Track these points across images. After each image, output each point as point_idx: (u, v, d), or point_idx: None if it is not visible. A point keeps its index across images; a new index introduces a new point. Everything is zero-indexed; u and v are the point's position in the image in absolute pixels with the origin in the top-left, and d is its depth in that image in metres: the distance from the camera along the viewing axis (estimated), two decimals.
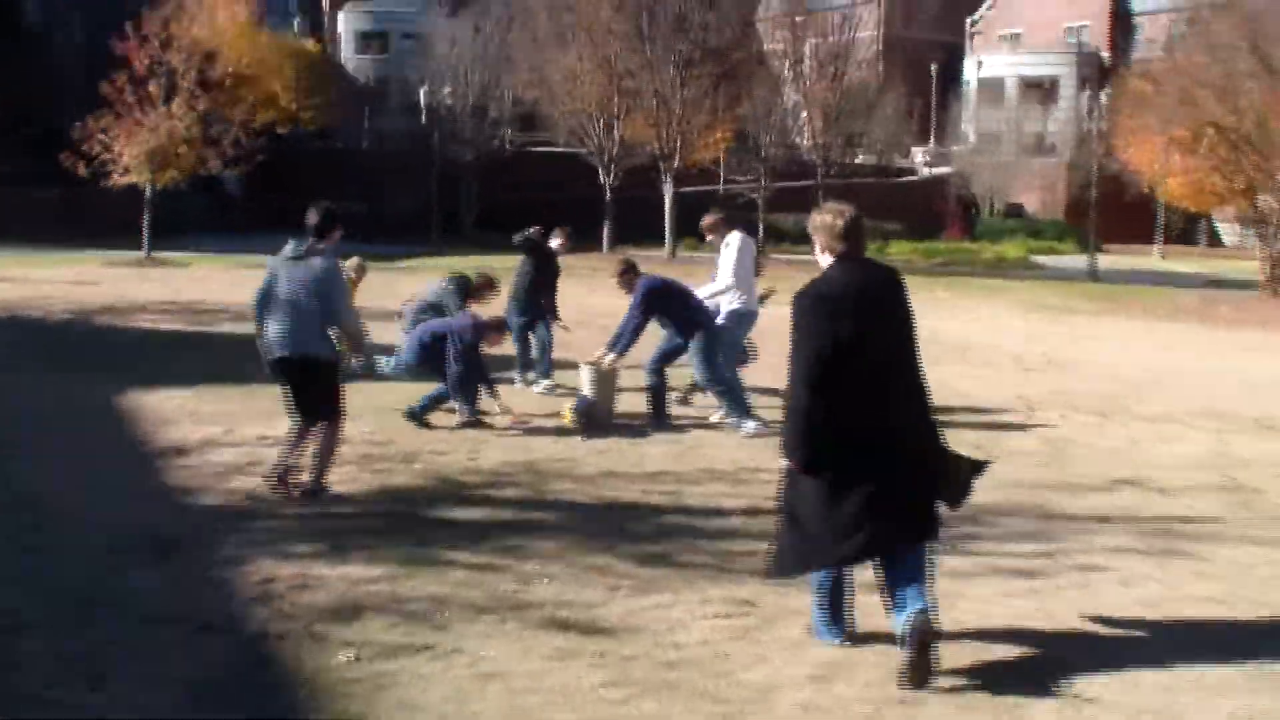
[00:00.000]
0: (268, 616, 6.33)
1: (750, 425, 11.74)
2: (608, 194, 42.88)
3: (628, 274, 12.67)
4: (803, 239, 50.50)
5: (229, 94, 37.78)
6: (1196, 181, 34.06)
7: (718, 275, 12.82)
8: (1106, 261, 41.67)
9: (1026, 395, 15.04)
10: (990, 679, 5.80)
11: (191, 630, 6.10)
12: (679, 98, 41.62)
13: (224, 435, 10.86)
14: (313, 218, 8.76)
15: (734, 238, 12.92)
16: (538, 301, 14.49)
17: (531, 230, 14.73)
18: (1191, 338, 24.10)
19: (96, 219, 37.34)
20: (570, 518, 8.51)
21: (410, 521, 8.26)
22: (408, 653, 5.88)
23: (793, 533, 6.00)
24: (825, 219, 5.99)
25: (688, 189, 43.90)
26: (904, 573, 5.79)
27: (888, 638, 5.92)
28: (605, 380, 12.19)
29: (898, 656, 5.68)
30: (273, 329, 8.67)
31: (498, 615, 6.40)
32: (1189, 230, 63.51)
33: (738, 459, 10.72)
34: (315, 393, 8.79)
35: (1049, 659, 6.08)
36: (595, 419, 11.79)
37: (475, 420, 11.66)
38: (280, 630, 6.13)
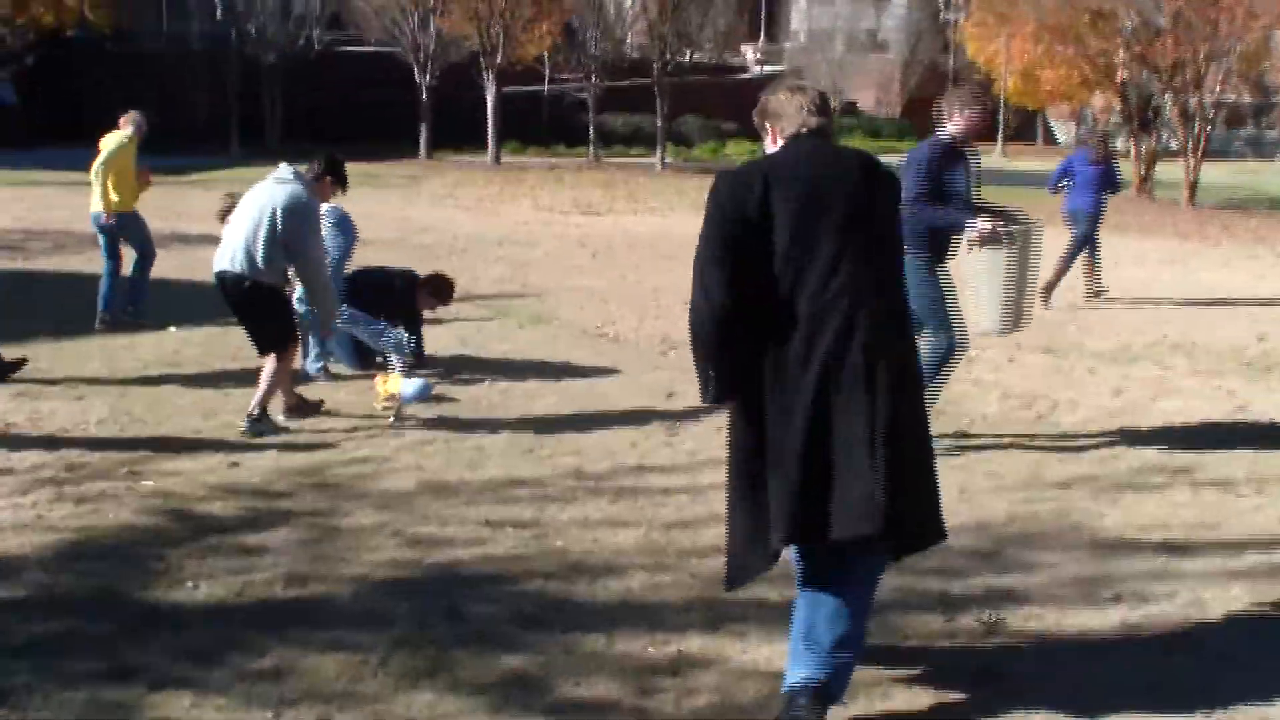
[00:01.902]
0: None
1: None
2: (424, 95, 39.00)
3: None
4: (634, 140, 47.61)
5: None
6: (1063, 76, 31.60)
7: None
8: None
9: None
10: None
11: None
12: None
13: None
14: (315, 165, 8.30)
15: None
16: None
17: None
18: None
19: None
20: (369, 589, 5.28)
21: (105, 617, 4.93)
22: None
23: (738, 516, 4.31)
24: (791, 99, 4.50)
25: (512, 88, 40.27)
26: (826, 601, 4.17)
27: None
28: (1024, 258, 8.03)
29: None
30: (224, 241, 8.00)
31: None
32: (1024, 128, 62.23)
33: (611, 446, 7.61)
34: (256, 321, 8.03)
35: None
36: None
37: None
38: None
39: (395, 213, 22.55)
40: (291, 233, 7.74)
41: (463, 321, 11.93)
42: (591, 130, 41.54)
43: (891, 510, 4.05)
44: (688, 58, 47.31)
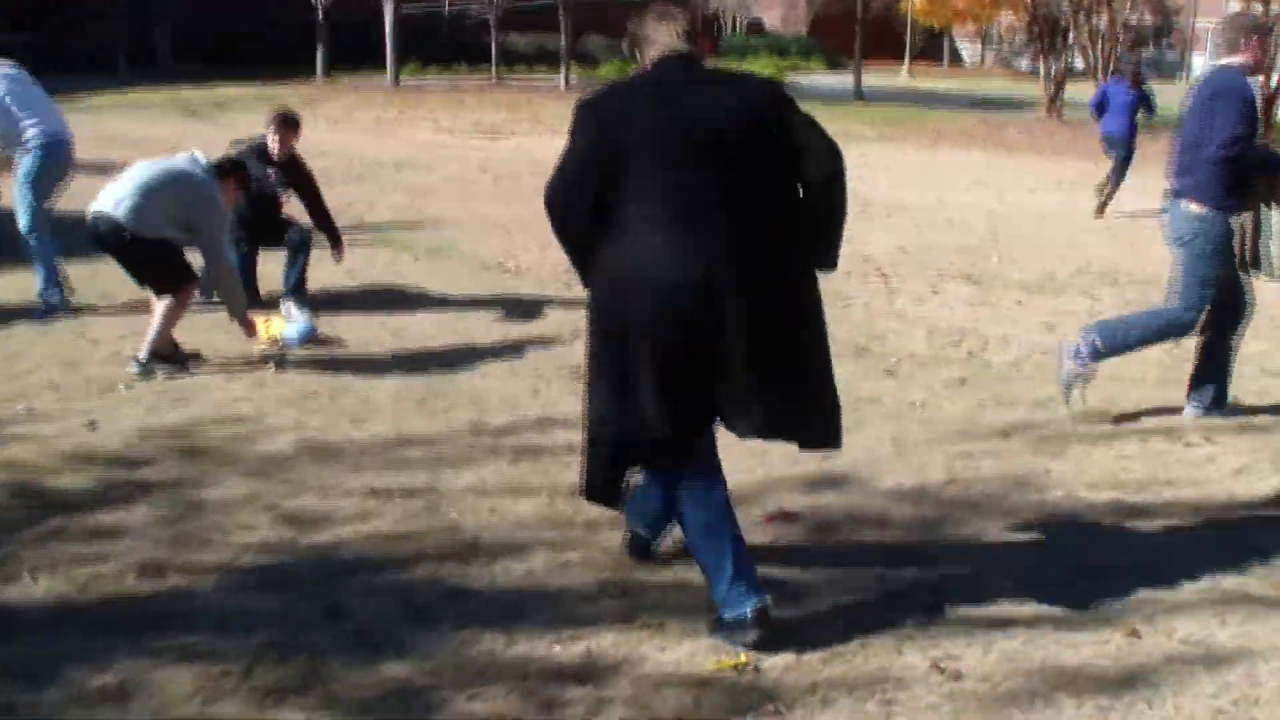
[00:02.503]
0: None
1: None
2: (320, 15, 37.67)
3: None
4: (538, 60, 46.43)
5: None
6: None
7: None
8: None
9: (869, 255, 11.64)
10: None
11: None
12: None
13: None
14: (223, 163, 7.76)
15: None
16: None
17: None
18: (997, 167, 21.16)
19: None
20: (234, 580, 4.60)
21: None
22: None
23: (597, 424, 4.30)
24: (660, 23, 4.32)
25: (411, 7, 39.08)
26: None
27: None
28: None
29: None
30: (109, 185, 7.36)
31: None
32: (930, 47, 61.96)
33: (511, 394, 7.00)
34: (143, 268, 7.44)
35: None
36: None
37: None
38: None
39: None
40: (201, 225, 7.34)
41: (354, 252, 11.20)
42: (494, 50, 40.50)
43: (769, 416, 4.12)
44: None
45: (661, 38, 4.26)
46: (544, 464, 5.87)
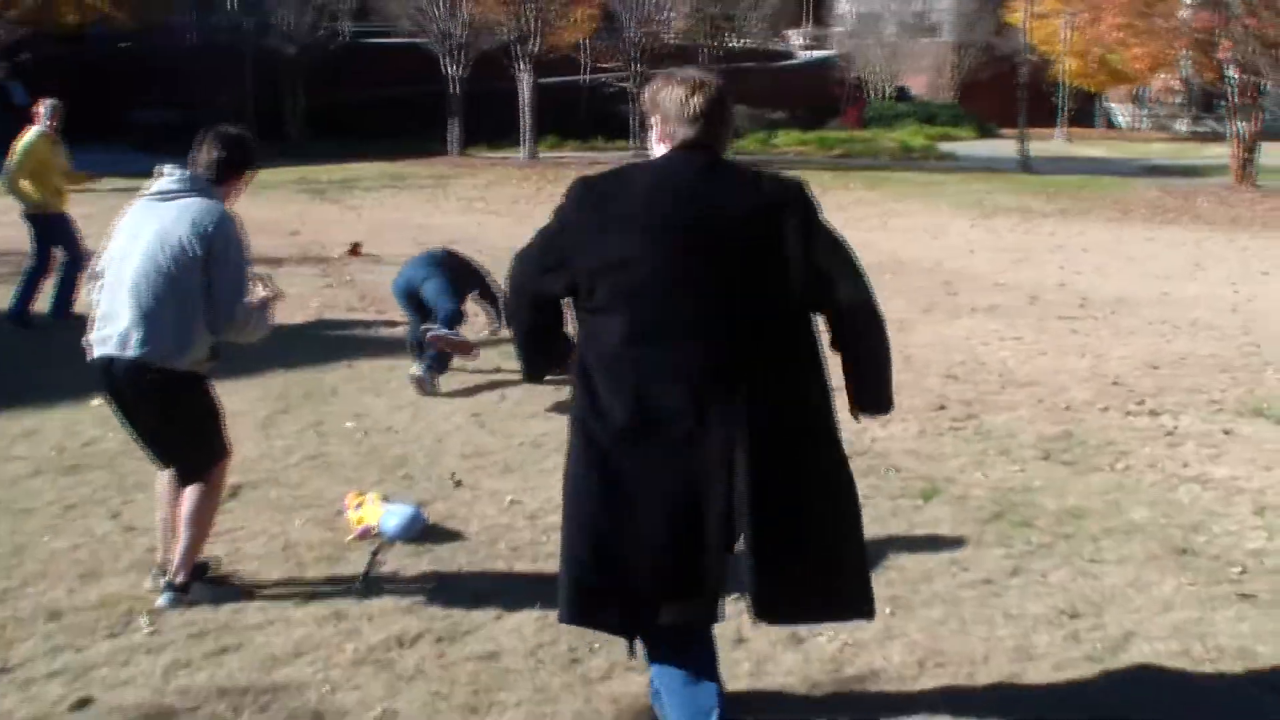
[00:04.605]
0: None
1: None
2: (454, 88, 36.10)
3: None
4: None
5: None
6: (1154, 52, 28.57)
7: None
8: (1016, 147, 35.80)
9: (1118, 377, 9.27)
10: None
11: None
12: None
13: None
14: (212, 148, 5.14)
15: None
16: None
17: None
18: (1208, 247, 18.52)
19: None
20: None
21: None
22: None
23: (573, 552, 3.78)
24: (674, 92, 3.67)
25: (548, 79, 37.40)
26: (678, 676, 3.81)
27: None
28: None
29: None
30: (100, 311, 5.01)
31: None
32: (1083, 112, 59.16)
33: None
34: (162, 429, 5.11)
35: None
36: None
37: None
38: None
39: (418, 219, 19.88)
40: (221, 265, 4.89)
41: (480, 381, 9.14)
42: (633, 121, 38.69)
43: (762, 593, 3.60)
44: (733, 43, 44.58)
45: (674, 113, 3.67)
46: None
